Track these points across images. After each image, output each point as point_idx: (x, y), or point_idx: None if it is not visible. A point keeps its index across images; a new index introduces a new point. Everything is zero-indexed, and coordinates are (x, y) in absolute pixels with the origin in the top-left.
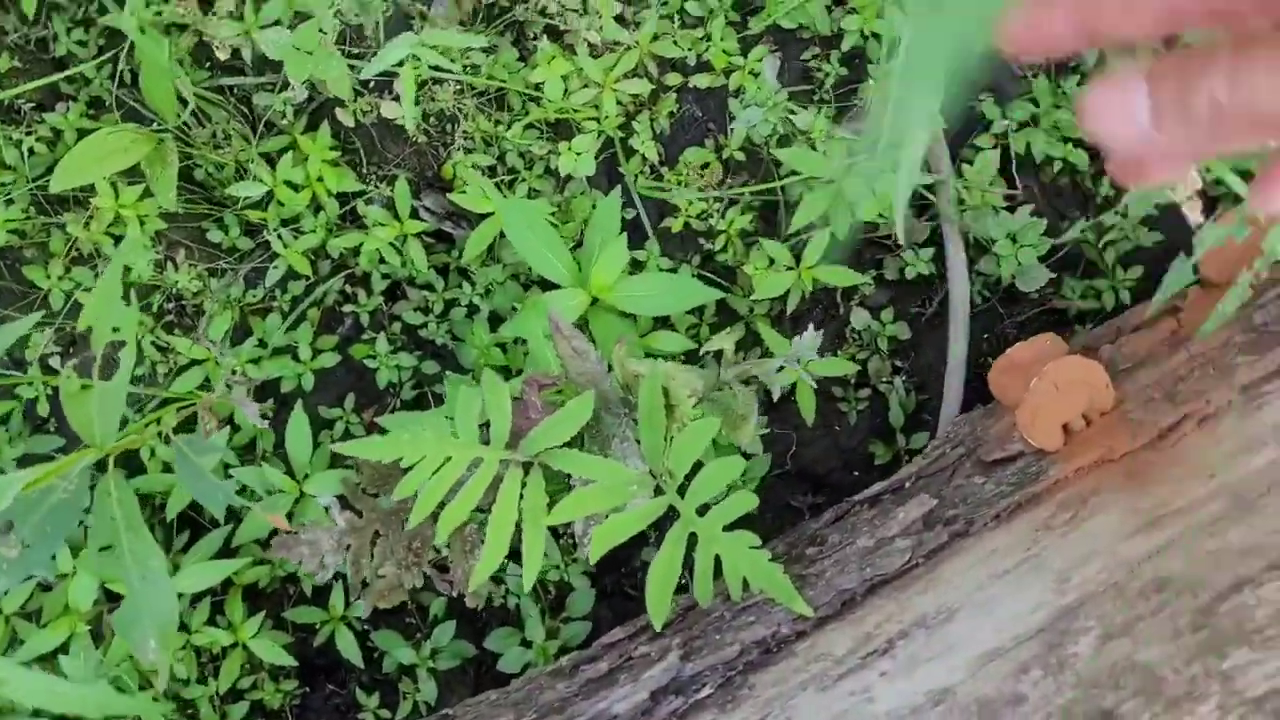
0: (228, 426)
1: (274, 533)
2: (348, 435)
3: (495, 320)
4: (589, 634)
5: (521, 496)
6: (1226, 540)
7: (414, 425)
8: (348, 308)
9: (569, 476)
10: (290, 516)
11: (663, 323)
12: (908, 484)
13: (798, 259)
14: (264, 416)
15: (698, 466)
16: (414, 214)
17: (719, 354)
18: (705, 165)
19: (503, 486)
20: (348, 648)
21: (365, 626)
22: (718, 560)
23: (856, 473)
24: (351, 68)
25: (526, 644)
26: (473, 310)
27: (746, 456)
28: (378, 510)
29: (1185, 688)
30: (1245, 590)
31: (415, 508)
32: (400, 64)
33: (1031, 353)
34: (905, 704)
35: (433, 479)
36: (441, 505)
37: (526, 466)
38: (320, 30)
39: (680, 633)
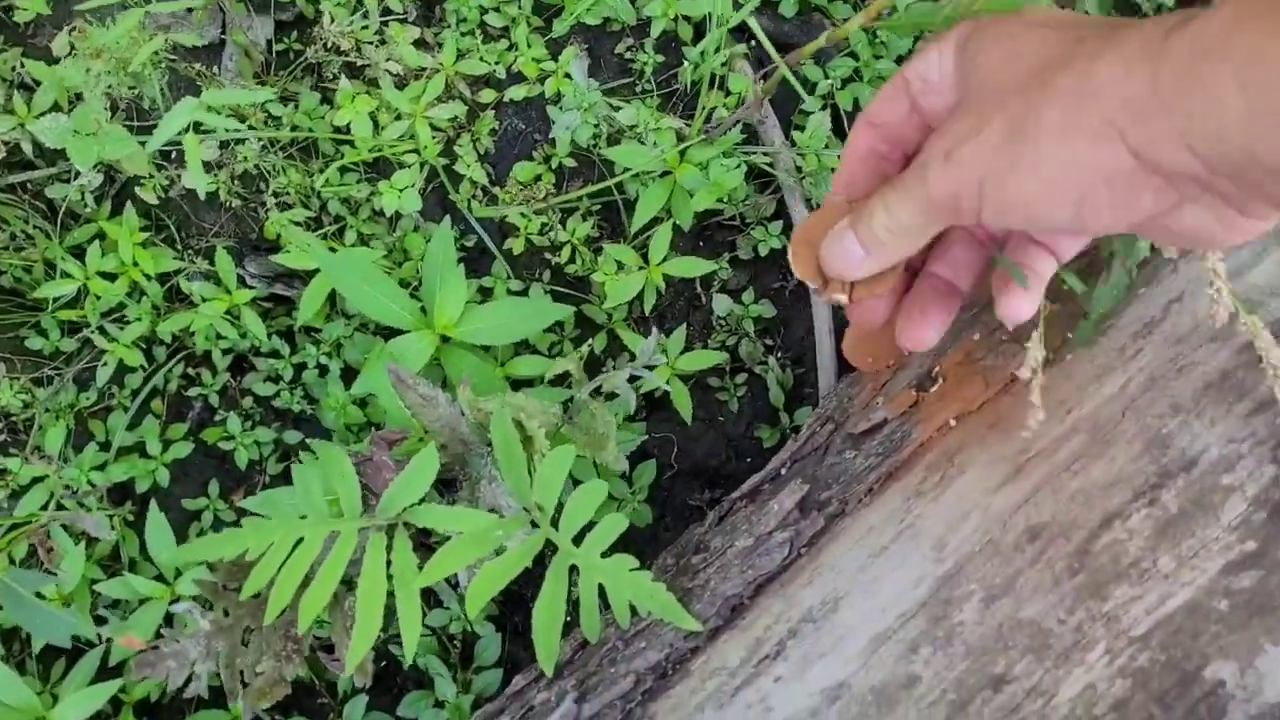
0: (83, 542)
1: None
2: (217, 524)
3: (350, 376)
4: (503, 679)
5: (389, 562)
6: (1090, 476)
7: (276, 505)
8: (193, 391)
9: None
10: (170, 621)
11: (524, 346)
12: (783, 470)
13: (647, 258)
14: (125, 520)
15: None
16: (242, 282)
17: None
18: (537, 178)
19: (366, 555)
20: None
21: (275, 718)
22: (603, 590)
23: (749, 459)
24: (143, 143)
25: (441, 704)
26: (324, 370)
27: (627, 477)
28: (244, 605)
29: (1072, 637)
30: (1115, 525)
31: (271, 600)
32: (185, 131)
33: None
34: (802, 707)
35: (286, 565)
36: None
37: (391, 530)
38: (98, 110)
39: (576, 672)
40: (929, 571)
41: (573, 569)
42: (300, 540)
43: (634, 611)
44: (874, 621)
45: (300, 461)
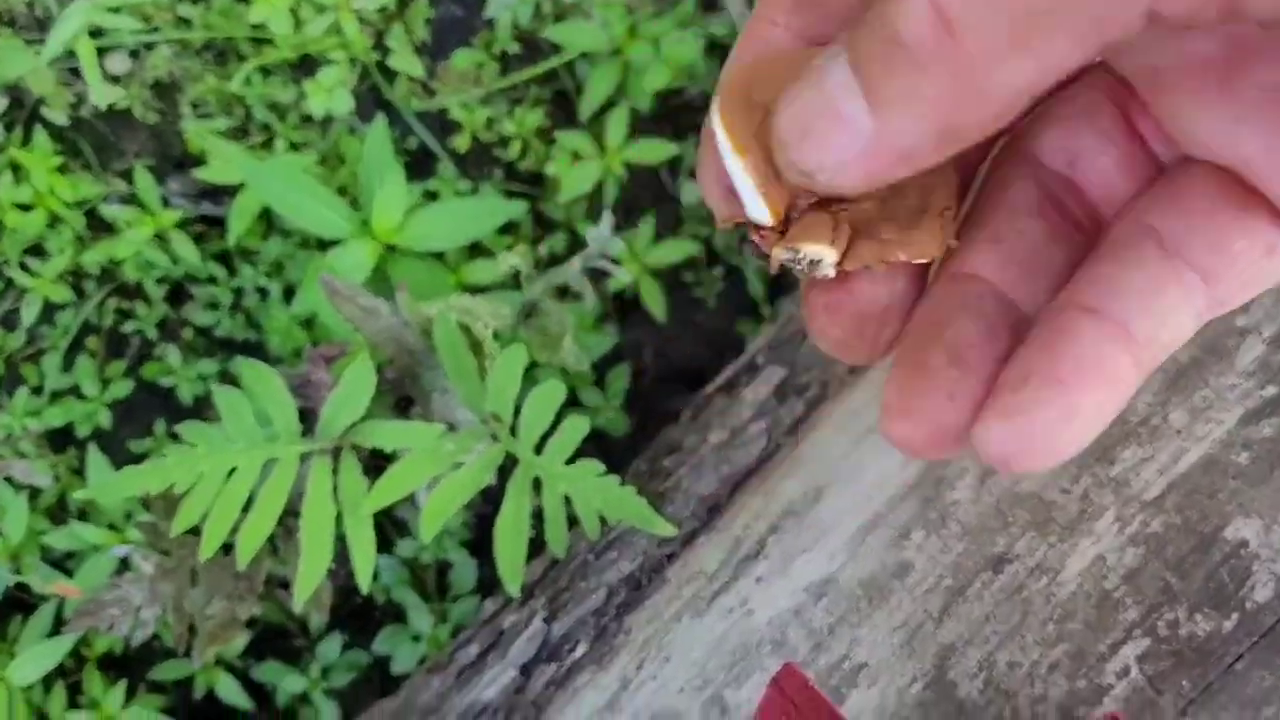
0: (25, 493)
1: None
2: None
3: (295, 296)
4: (480, 607)
5: (336, 489)
6: None
7: (206, 434)
8: (129, 326)
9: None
10: (129, 567)
11: (478, 251)
12: (759, 359)
13: (604, 146)
14: (70, 468)
15: None
16: (166, 204)
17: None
18: (479, 66)
19: (309, 481)
20: (229, 693)
21: (246, 661)
22: (570, 501)
23: (733, 358)
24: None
25: (418, 637)
26: (265, 293)
27: (600, 383)
28: (188, 544)
29: (1077, 507)
30: None
31: (204, 536)
32: (78, 37)
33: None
34: (787, 607)
35: (219, 496)
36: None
37: (336, 453)
38: None
39: (546, 591)
40: None
41: (537, 481)
42: (233, 470)
43: (604, 522)
44: (860, 509)
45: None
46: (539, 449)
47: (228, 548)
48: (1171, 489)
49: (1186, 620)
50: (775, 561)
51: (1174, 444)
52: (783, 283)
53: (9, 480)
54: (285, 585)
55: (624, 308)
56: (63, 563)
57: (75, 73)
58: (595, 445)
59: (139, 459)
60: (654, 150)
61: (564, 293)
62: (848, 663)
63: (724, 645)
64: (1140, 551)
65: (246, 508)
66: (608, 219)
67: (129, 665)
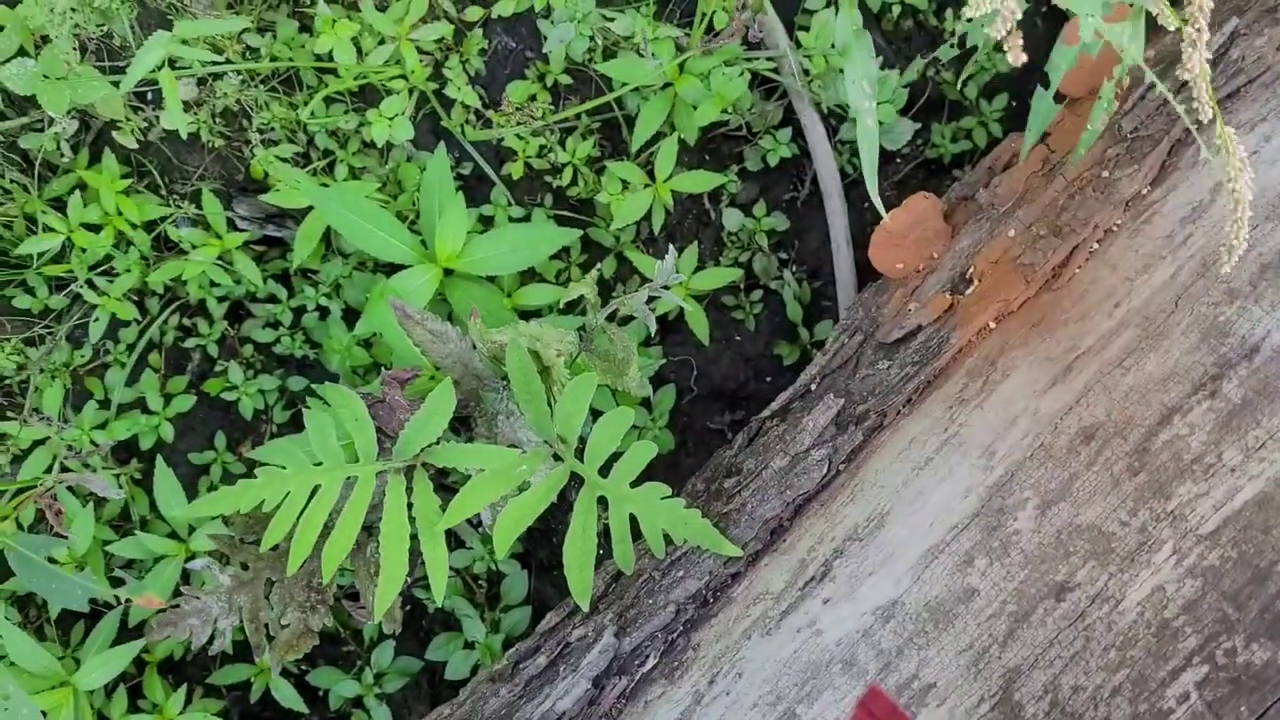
0: (90, 503)
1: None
2: (227, 476)
3: (352, 317)
4: (531, 618)
5: (410, 505)
6: (1145, 371)
7: (287, 454)
8: (191, 342)
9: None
10: (188, 578)
11: (530, 275)
12: (813, 386)
13: (652, 175)
14: (132, 478)
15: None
16: (232, 225)
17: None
18: (532, 98)
19: (387, 499)
20: (287, 697)
21: (301, 668)
22: (635, 520)
23: (769, 379)
24: (116, 84)
25: (471, 645)
26: (324, 313)
27: (646, 403)
28: (265, 557)
29: (1137, 539)
30: (1175, 420)
31: (292, 552)
32: (160, 68)
33: (907, 218)
34: (855, 628)
35: (305, 514)
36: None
37: (410, 471)
38: (67, 52)
39: (613, 606)
40: (978, 481)
41: (601, 500)
42: (317, 488)
43: (668, 541)
44: (923, 536)
45: (308, 408)
46: (604, 471)
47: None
48: (1227, 523)
49: (1244, 649)
50: (842, 584)
51: (1229, 481)
52: (816, 308)
53: (71, 490)
54: (350, 596)
55: (665, 329)
56: (119, 576)
57: (142, 98)
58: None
59: (200, 470)
60: (701, 180)
61: (612, 316)
62: (916, 683)
63: (795, 664)
64: (1198, 583)
65: (327, 523)
66: (672, 255)
67: (185, 670)
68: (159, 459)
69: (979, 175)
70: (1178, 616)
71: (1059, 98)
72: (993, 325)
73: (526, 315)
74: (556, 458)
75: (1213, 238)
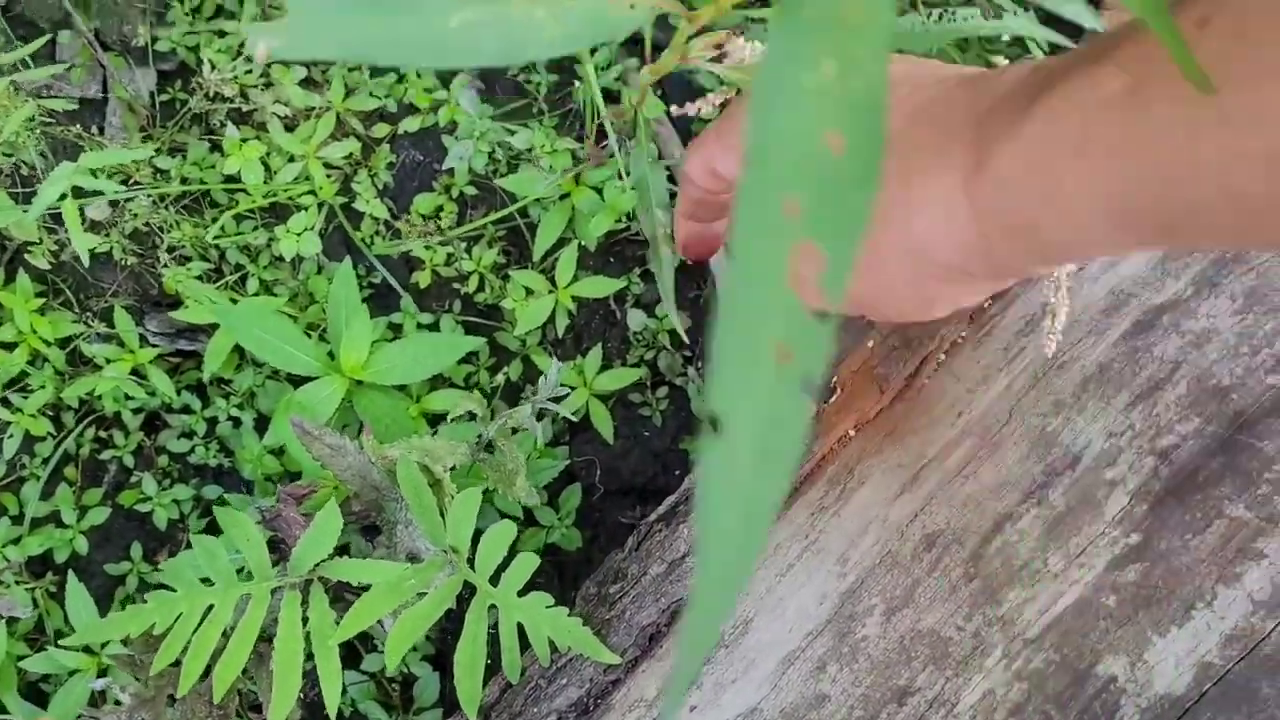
0: (2, 620)
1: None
2: (143, 586)
3: (265, 425)
4: (443, 718)
5: (306, 620)
6: (980, 480)
7: (183, 574)
8: (107, 454)
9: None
10: (104, 696)
11: (441, 380)
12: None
13: (555, 281)
14: (48, 592)
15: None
16: (145, 341)
17: (473, 414)
18: (439, 209)
19: (281, 614)
20: None
21: None
22: (523, 629)
23: (676, 471)
24: (26, 210)
25: None
26: (237, 422)
27: (553, 504)
28: (165, 675)
29: (971, 644)
30: (1006, 527)
31: (183, 671)
32: (63, 197)
33: None
34: None
35: (196, 634)
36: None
37: (306, 586)
38: None
39: (501, 714)
40: (833, 587)
41: (494, 609)
42: (210, 608)
43: (554, 648)
44: (782, 642)
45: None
46: (495, 580)
47: (203, 674)
48: (1050, 628)
49: None
50: (707, 691)
51: (1052, 586)
52: None
53: None
54: (255, 708)
55: (574, 428)
56: (38, 685)
57: (57, 219)
58: (550, 559)
59: (116, 581)
60: (600, 285)
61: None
62: None
63: None
64: (1024, 686)
65: (224, 636)
66: (555, 368)
67: None
68: (70, 574)
69: None
70: (1006, 719)
71: None
72: (852, 433)
73: (436, 420)
74: (453, 567)
75: (1041, 351)
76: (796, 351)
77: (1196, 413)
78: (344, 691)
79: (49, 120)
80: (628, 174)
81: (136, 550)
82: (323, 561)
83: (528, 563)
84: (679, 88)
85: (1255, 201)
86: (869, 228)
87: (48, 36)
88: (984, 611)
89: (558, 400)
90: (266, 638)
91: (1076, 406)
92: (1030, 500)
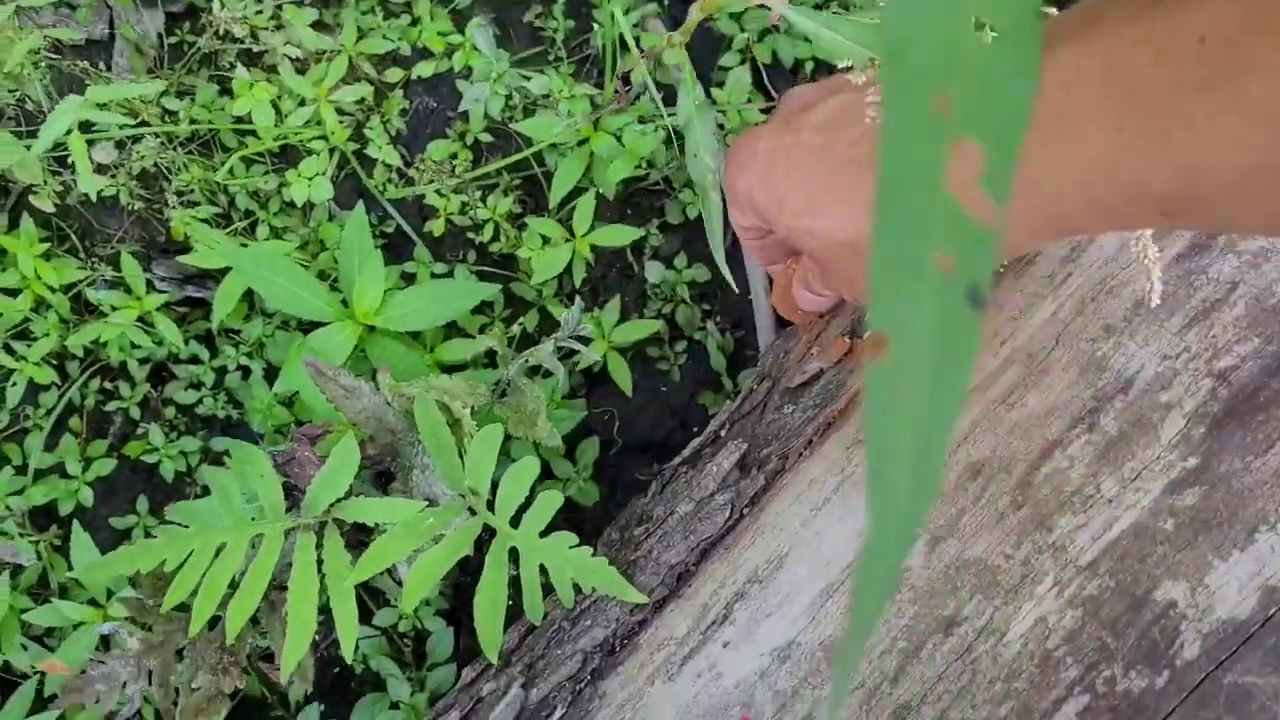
0: (6, 571)
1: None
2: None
3: (275, 376)
4: (457, 674)
5: (321, 563)
6: (1027, 407)
7: (198, 514)
8: (112, 405)
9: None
10: (109, 644)
11: (454, 329)
12: (722, 432)
13: (572, 230)
14: (52, 544)
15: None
16: (151, 287)
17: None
18: (453, 156)
19: (295, 557)
20: None
21: None
22: (546, 571)
23: (695, 427)
24: (29, 147)
25: (396, 705)
26: (247, 372)
27: (570, 456)
28: (174, 620)
29: (1020, 572)
30: (1056, 454)
31: (194, 612)
32: (69, 132)
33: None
34: (752, 669)
35: (207, 574)
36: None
37: (321, 528)
38: None
39: (524, 658)
40: None
41: (514, 552)
42: (222, 546)
43: (578, 590)
44: (819, 575)
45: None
46: (515, 522)
47: (212, 622)
48: (1105, 554)
49: (1122, 678)
50: (741, 627)
51: (1106, 512)
52: (740, 357)
53: None
54: (266, 657)
55: (592, 381)
56: (43, 639)
57: (62, 162)
58: (567, 515)
59: (122, 535)
60: (618, 234)
61: (536, 370)
62: None
63: (695, 708)
64: (1078, 614)
65: (233, 583)
66: (578, 306)
67: None
68: (75, 525)
69: None
70: (1059, 647)
71: None
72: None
73: (450, 369)
74: (472, 511)
75: (1089, 276)
76: (960, 260)
77: (1256, 333)
78: (356, 646)
79: (54, 55)
80: (647, 121)
81: (143, 503)
82: (338, 501)
83: (550, 501)
84: (701, 40)
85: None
86: (1031, 123)
87: None
88: (1033, 539)
89: (583, 341)
90: (278, 585)
91: (1128, 331)
92: (1080, 426)
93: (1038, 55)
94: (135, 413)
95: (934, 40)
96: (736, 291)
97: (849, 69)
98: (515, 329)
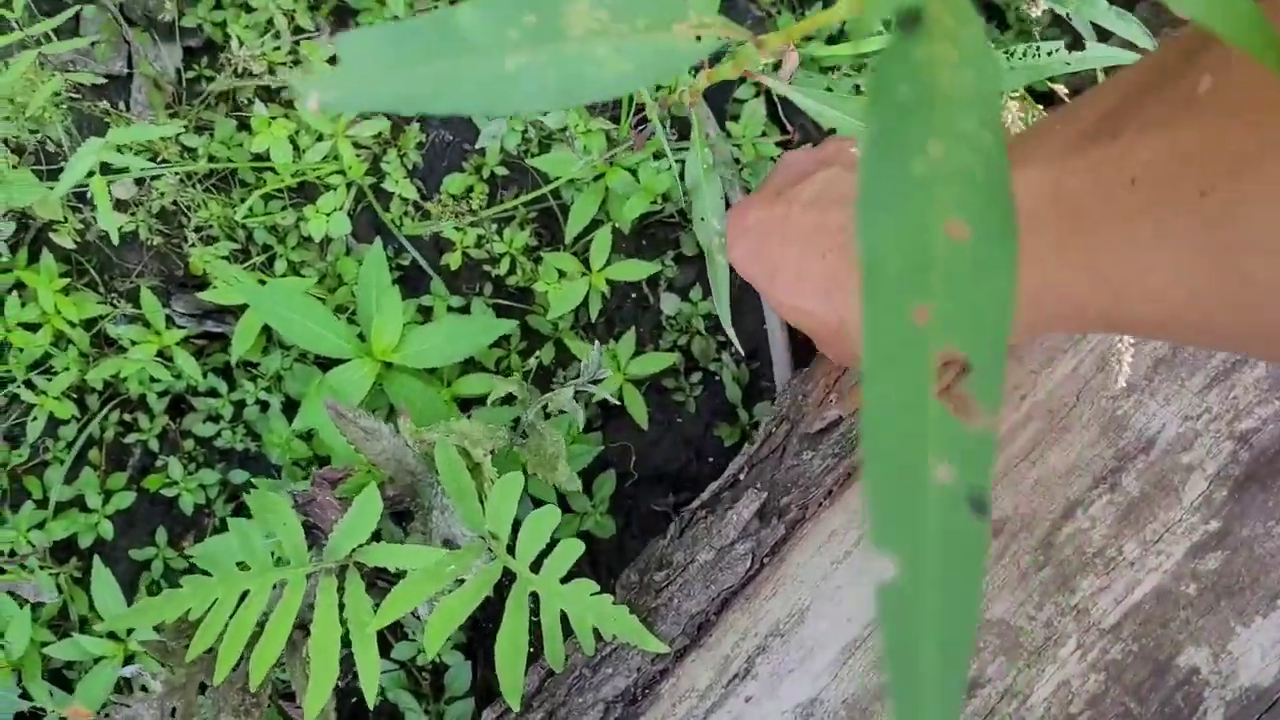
0: (28, 605)
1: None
2: (168, 572)
3: (293, 408)
4: (475, 708)
5: (342, 606)
6: (1048, 464)
7: (217, 557)
8: (131, 437)
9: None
10: (129, 682)
11: (471, 364)
12: (741, 476)
13: (588, 264)
14: (72, 577)
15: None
16: (170, 322)
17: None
18: (470, 190)
19: (318, 601)
20: None
21: None
22: (566, 616)
23: (710, 459)
24: (51, 187)
25: None
26: (265, 406)
27: (588, 490)
28: (197, 662)
29: (1043, 634)
30: (1078, 513)
31: (219, 658)
32: (91, 174)
33: None
34: None
35: (232, 620)
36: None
37: (342, 571)
38: (3, 156)
39: (544, 704)
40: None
41: (534, 596)
42: (245, 593)
43: (598, 636)
44: (842, 631)
45: (248, 501)
46: (535, 567)
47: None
48: (1127, 617)
49: None
50: (764, 682)
51: (1128, 575)
52: (755, 389)
53: (11, 594)
54: (287, 695)
55: (608, 414)
56: (63, 671)
57: (82, 198)
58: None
59: (141, 567)
60: (634, 269)
61: (545, 407)
62: None
63: None
64: (1101, 678)
65: (258, 625)
66: (597, 349)
67: None
68: (96, 559)
69: None
70: (1082, 713)
71: None
72: None
73: (467, 404)
74: (492, 553)
75: (1110, 385)
76: (958, 468)
77: (1277, 395)
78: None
79: (75, 96)
80: (662, 157)
81: (162, 535)
82: (360, 547)
83: (571, 549)
84: (716, 89)
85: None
86: (1015, 317)
87: (72, 10)
88: (1056, 600)
89: (598, 383)
90: (299, 625)
91: (1149, 390)
92: (1102, 485)
93: (1014, 250)
94: (154, 445)
95: (908, 249)
96: (741, 352)
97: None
98: (532, 362)
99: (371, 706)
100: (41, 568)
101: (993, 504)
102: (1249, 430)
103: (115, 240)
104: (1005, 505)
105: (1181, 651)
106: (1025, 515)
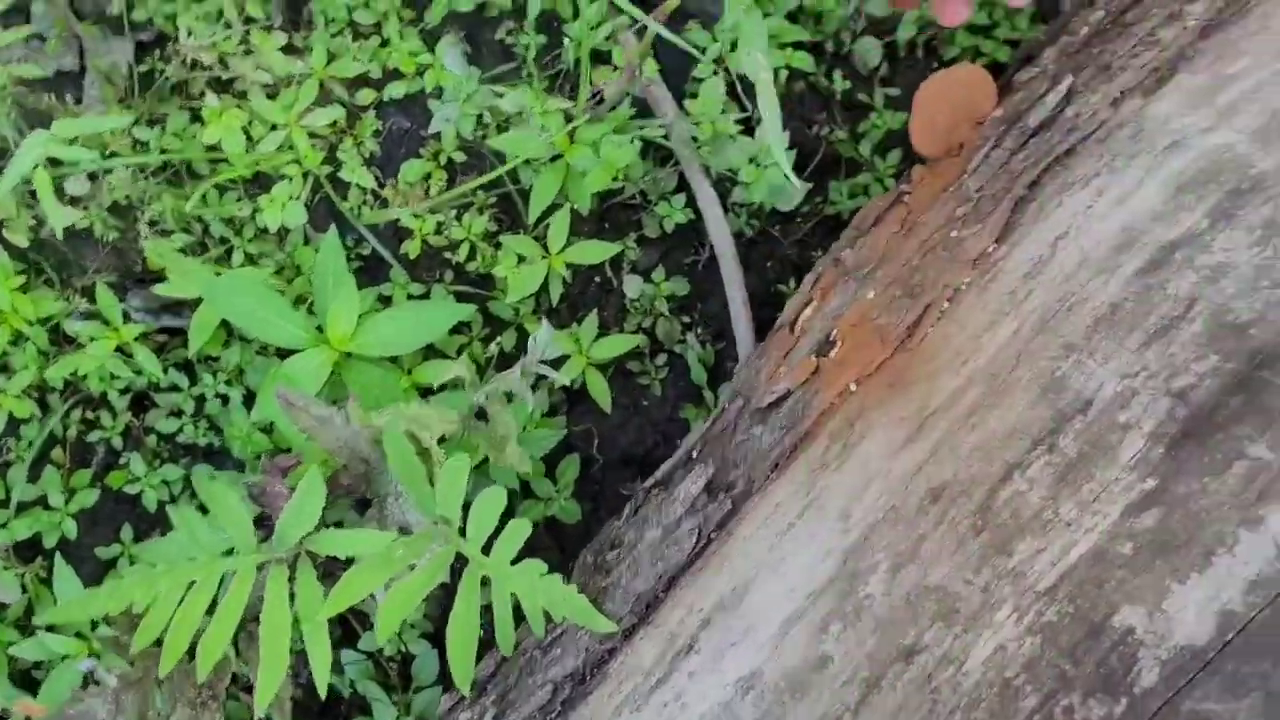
0: None
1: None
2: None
3: (254, 402)
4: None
5: (294, 596)
6: (988, 428)
7: (166, 552)
8: (94, 435)
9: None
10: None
11: (433, 352)
12: (694, 453)
13: (548, 247)
14: (37, 576)
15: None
16: (127, 318)
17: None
18: (427, 176)
19: (267, 590)
20: None
21: None
22: (517, 601)
23: (677, 442)
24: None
25: None
26: (226, 399)
27: (551, 474)
28: (150, 655)
29: (980, 598)
30: (1015, 476)
31: (165, 649)
32: (36, 168)
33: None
34: (716, 701)
35: (179, 611)
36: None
37: (294, 561)
38: None
39: (497, 687)
40: (836, 545)
41: (486, 579)
42: (191, 585)
43: (549, 618)
44: (784, 603)
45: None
46: (487, 549)
47: (192, 653)
48: (1063, 579)
49: (1081, 706)
50: (707, 656)
51: (1065, 536)
52: (721, 370)
53: None
54: (249, 688)
55: (572, 398)
56: (30, 670)
57: (35, 195)
58: (550, 533)
59: (107, 565)
60: (595, 251)
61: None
62: None
63: None
64: (1037, 641)
65: (208, 615)
66: (545, 329)
67: None
68: (58, 557)
69: (847, 236)
70: (1018, 675)
71: (917, 158)
72: (854, 387)
73: (428, 391)
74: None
75: (1052, 292)
76: None
77: (1214, 350)
78: (341, 671)
79: (23, 89)
80: (624, 131)
81: (127, 533)
82: (309, 535)
83: (519, 529)
84: (673, 53)
85: None
86: None
87: (19, 6)
88: (993, 564)
89: (553, 364)
90: (256, 617)
91: (1087, 349)
92: (1040, 447)
93: None
94: (118, 442)
95: None
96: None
97: None
98: (493, 348)
99: (323, 696)
100: (5, 568)
101: (932, 469)
102: (1186, 387)
103: (60, 235)
104: (945, 471)
105: (1117, 611)
106: (964, 481)
